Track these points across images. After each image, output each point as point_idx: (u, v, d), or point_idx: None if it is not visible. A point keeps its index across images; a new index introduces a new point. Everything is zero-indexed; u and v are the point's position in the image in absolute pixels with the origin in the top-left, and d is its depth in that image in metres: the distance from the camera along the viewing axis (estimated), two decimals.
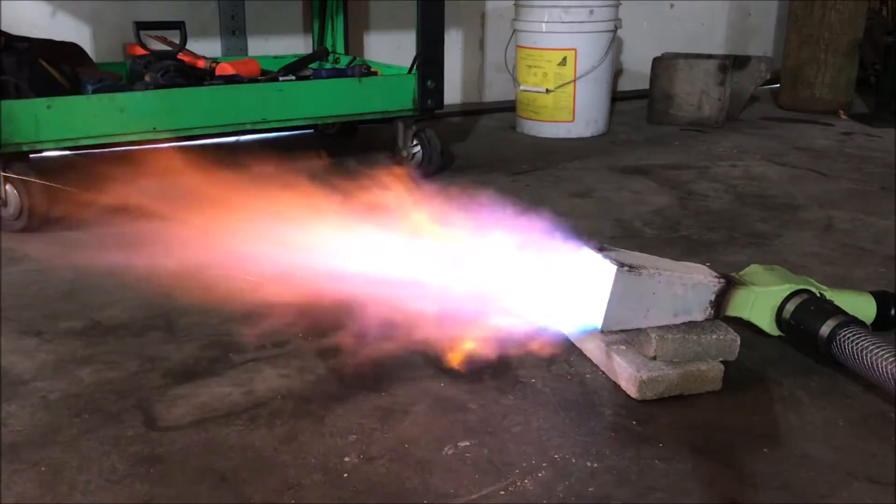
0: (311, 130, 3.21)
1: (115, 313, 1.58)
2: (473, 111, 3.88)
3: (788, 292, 1.35)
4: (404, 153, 2.62)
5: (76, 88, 2.24)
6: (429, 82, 2.56)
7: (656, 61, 3.68)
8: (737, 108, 3.76)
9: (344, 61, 2.99)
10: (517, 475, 1.08)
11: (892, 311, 1.45)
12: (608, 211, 2.34)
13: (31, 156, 2.09)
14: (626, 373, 1.28)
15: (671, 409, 1.25)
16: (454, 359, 1.35)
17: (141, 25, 2.46)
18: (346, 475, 1.07)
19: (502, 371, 1.35)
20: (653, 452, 1.14)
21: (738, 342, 1.31)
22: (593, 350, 1.38)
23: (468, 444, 1.15)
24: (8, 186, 2.01)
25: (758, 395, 1.31)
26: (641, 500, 1.04)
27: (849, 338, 1.24)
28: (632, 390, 1.27)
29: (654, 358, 1.28)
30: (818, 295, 1.36)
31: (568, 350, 1.42)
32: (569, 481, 1.07)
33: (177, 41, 2.53)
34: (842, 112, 3.88)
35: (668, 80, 3.63)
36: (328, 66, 2.97)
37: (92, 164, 2.43)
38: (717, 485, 1.08)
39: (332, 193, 1.74)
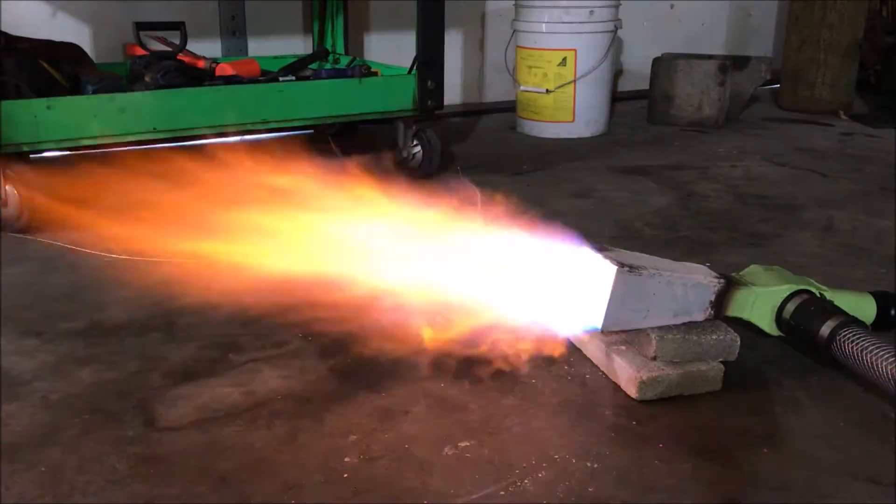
0: (311, 131, 3.21)
1: (115, 313, 1.58)
2: (473, 111, 3.88)
3: (788, 293, 1.35)
4: (404, 153, 2.62)
5: (76, 89, 2.24)
6: (429, 83, 2.56)
7: (656, 61, 3.68)
8: (737, 109, 3.76)
9: (344, 62, 2.99)
10: (517, 475, 1.08)
11: (892, 311, 1.45)
12: (608, 211, 2.34)
13: (31, 156, 2.09)
14: (626, 373, 1.28)
15: (671, 410, 1.25)
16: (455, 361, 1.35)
17: (141, 26, 2.46)
18: (346, 475, 1.07)
19: (502, 371, 1.35)
20: (653, 452, 1.14)
21: (738, 342, 1.31)
22: (593, 350, 1.38)
23: (468, 444, 1.15)
24: (8, 186, 2.01)
25: (758, 396, 1.31)
26: (641, 500, 1.04)
27: (849, 338, 1.24)
28: (632, 390, 1.27)
29: (654, 358, 1.28)
30: (818, 295, 1.36)
31: (568, 350, 1.42)
32: (569, 481, 1.07)
33: (177, 41, 2.53)
34: (842, 112, 3.88)
35: (668, 81, 3.63)
36: (328, 66, 2.97)
37: (92, 164, 2.44)
38: (717, 485, 1.08)
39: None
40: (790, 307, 1.34)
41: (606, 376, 1.34)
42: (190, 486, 1.05)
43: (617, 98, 4.01)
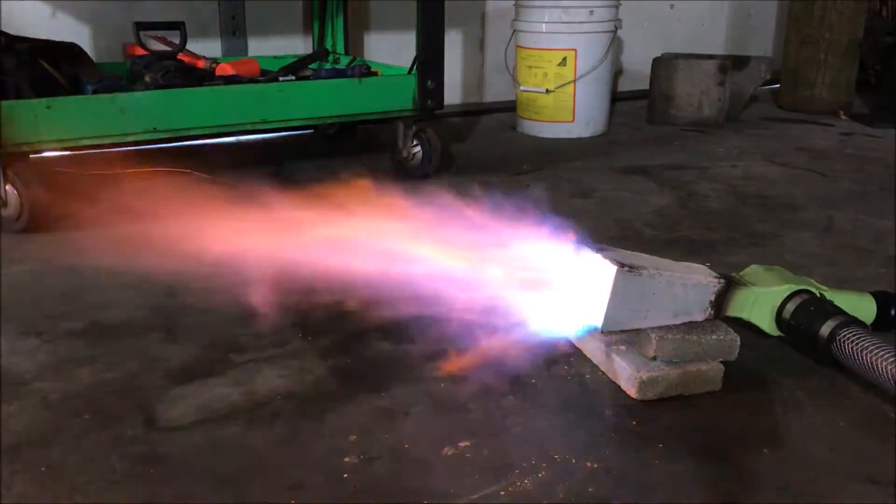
0: (311, 131, 3.21)
1: (115, 313, 1.57)
2: (473, 111, 3.88)
3: (788, 292, 1.35)
4: (404, 153, 2.62)
5: (76, 89, 2.24)
6: (429, 82, 2.55)
7: (656, 61, 3.68)
8: (737, 109, 3.76)
9: (344, 61, 2.99)
10: (517, 475, 1.08)
11: (892, 311, 1.45)
12: (608, 211, 2.34)
13: (31, 156, 2.09)
14: (626, 373, 1.28)
15: (671, 410, 1.25)
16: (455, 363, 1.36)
17: (141, 26, 2.46)
18: (346, 475, 1.07)
19: (502, 371, 1.34)
20: (653, 452, 1.14)
21: (739, 342, 1.31)
22: (593, 350, 1.38)
23: (468, 444, 1.15)
24: (8, 186, 2.01)
25: (758, 396, 1.31)
26: (641, 500, 1.04)
27: (849, 338, 1.24)
28: (632, 390, 1.27)
29: (655, 358, 1.28)
30: (818, 295, 1.36)
31: (568, 350, 1.42)
32: (569, 481, 1.07)
33: (177, 41, 2.53)
34: (842, 112, 3.88)
35: (668, 81, 3.63)
36: (328, 66, 2.97)
37: (92, 164, 2.44)
38: (717, 485, 1.08)
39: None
40: (790, 307, 1.34)
41: (606, 376, 1.34)
42: (190, 486, 1.05)
43: (617, 98, 4.02)
